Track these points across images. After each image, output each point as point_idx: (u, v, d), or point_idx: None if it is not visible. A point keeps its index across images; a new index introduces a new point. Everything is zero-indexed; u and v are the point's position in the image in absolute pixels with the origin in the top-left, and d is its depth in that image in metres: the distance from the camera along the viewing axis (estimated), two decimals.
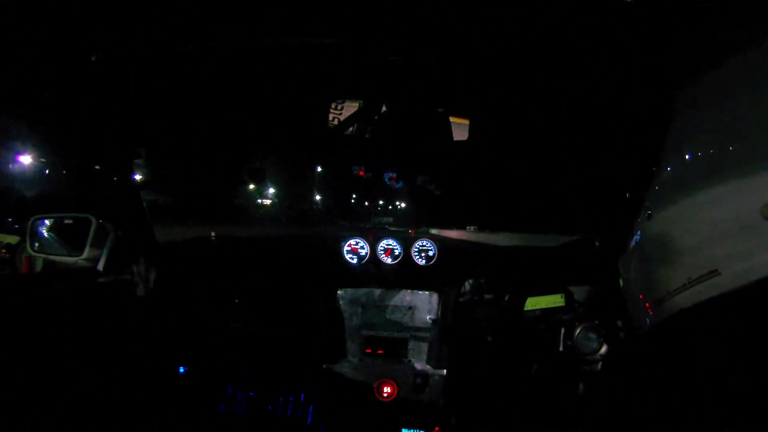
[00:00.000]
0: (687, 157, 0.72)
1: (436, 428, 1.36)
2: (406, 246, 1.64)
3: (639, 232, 0.88)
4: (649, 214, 0.81)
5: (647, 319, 0.81)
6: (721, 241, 0.61)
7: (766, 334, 0.61)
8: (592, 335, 1.36)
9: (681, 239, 0.70)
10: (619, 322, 1.31)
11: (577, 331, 1.37)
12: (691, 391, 0.74)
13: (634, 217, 0.90)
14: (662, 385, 0.83)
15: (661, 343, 0.83)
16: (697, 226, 0.66)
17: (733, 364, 0.66)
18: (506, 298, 1.49)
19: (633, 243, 0.90)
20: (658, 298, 0.75)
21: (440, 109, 1.61)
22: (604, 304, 1.38)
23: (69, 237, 1.50)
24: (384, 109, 1.60)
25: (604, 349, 1.35)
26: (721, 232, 0.61)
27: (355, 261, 1.61)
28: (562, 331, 1.38)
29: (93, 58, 1.09)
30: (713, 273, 0.61)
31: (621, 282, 0.98)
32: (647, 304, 0.81)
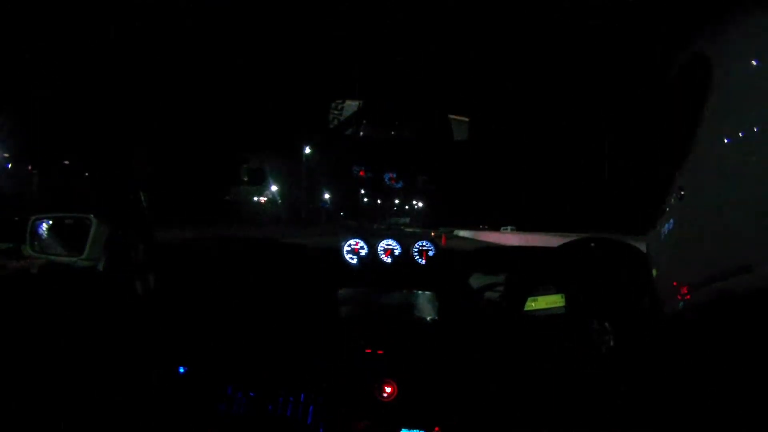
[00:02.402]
0: (720, 143, 0.66)
1: (436, 428, 1.36)
2: (406, 246, 1.64)
3: (669, 221, 0.80)
4: (681, 195, 0.74)
5: (673, 308, 0.77)
6: (755, 237, 0.57)
7: None
8: (593, 336, 1.36)
9: (714, 230, 0.65)
10: (621, 323, 1.31)
11: (578, 331, 1.37)
12: (703, 391, 0.72)
13: (661, 205, 0.84)
14: (670, 383, 0.81)
15: (677, 338, 0.80)
16: (730, 218, 0.62)
17: (753, 366, 0.63)
18: (506, 297, 1.49)
19: (663, 232, 0.84)
20: (686, 288, 0.71)
21: (440, 109, 1.61)
22: (605, 305, 1.38)
23: (69, 237, 1.49)
24: (384, 109, 1.60)
25: (604, 350, 1.35)
26: (756, 228, 0.57)
27: (355, 261, 1.61)
28: (562, 331, 1.38)
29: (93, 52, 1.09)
30: (745, 268, 0.57)
31: (654, 272, 0.91)
32: (673, 293, 0.77)
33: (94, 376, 1.29)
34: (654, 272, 0.89)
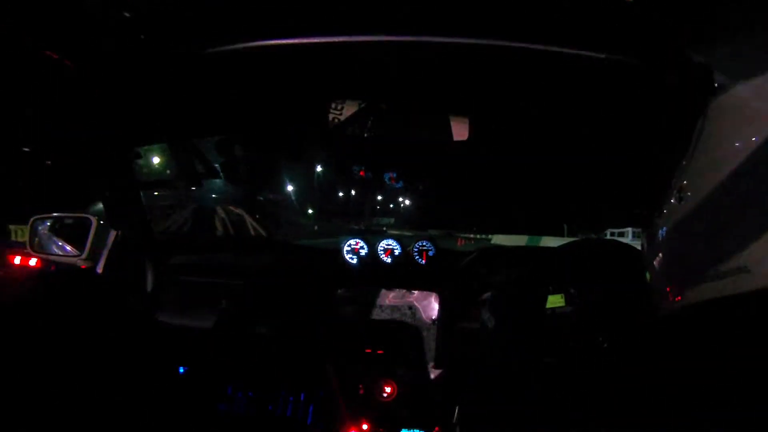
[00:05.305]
0: (719, 150, 0.67)
1: (436, 428, 1.36)
2: (406, 246, 1.64)
3: (666, 221, 0.81)
4: (679, 199, 0.75)
5: (668, 307, 0.77)
6: (755, 239, 0.58)
7: None
8: (593, 336, 1.36)
9: (712, 232, 0.67)
10: (622, 323, 1.31)
11: (578, 331, 1.37)
12: (698, 389, 0.73)
13: (659, 207, 0.84)
14: (668, 383, 0.81)
15: (673, 336, 0.80)
16: (730, 220, 0.63)
17: (750, 364, 0.64)
18: (506, 297, 1.49)
19: (660, 232, 0.84)
20: (682, 287, 0.72)
21: (440, 109, 1.60)
22: (606, 305, 1.38)
23: (69, 237, 1.50)
24: (384, 108, 1.60)
25: (605, 350, 1.35)
26: (756, 230, 0.57)
27: (355, 261, 1.61)
28: (562, 331, 1.39)
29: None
30: (742, 270, 0.58)
31: (647, 275, 0.91)
32: (669, 292, 0.77)
33: (94, 376, 1.29)
34: (647, 274, 0.90)
